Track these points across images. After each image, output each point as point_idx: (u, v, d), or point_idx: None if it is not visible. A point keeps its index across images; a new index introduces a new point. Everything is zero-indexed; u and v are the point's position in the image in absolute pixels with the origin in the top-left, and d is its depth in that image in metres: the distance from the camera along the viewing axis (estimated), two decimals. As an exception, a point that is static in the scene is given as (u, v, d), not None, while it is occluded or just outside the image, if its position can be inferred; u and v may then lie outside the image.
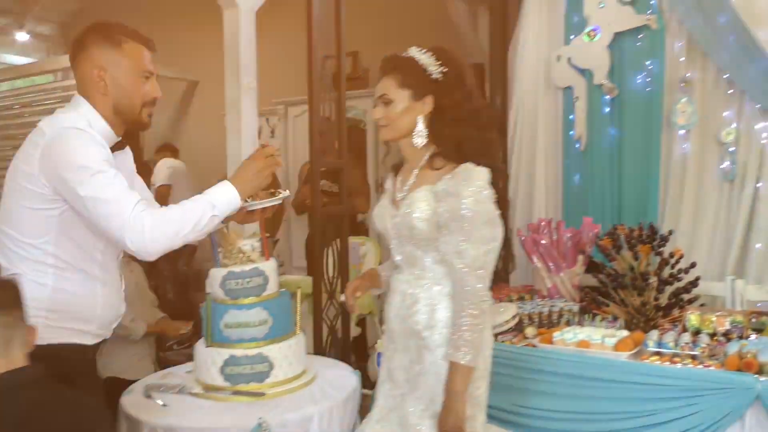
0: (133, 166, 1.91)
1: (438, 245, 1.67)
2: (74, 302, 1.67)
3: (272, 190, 1.93)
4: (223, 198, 1.69)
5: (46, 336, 1.61)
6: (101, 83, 1.69)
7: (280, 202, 1.92)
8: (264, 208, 1.91)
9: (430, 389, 1.67)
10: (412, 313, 1.72)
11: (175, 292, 5.03)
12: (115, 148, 1.75)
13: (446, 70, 1.69)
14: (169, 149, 5.67)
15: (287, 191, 1.92)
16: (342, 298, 1.92)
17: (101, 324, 1.75)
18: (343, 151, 2.86)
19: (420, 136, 1.71)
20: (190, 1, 6.28)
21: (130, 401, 1.97)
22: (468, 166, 1.64)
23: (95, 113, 1.69)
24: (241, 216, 1.91)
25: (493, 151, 1.75)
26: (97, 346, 1.78)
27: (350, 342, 2.83)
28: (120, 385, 2.14)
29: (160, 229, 1.58)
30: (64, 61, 6.37)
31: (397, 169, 1.86)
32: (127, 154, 1.87)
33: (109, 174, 1.58)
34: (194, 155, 5.37)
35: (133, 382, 2.17)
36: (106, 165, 1.60)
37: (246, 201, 1.83)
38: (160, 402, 1.94)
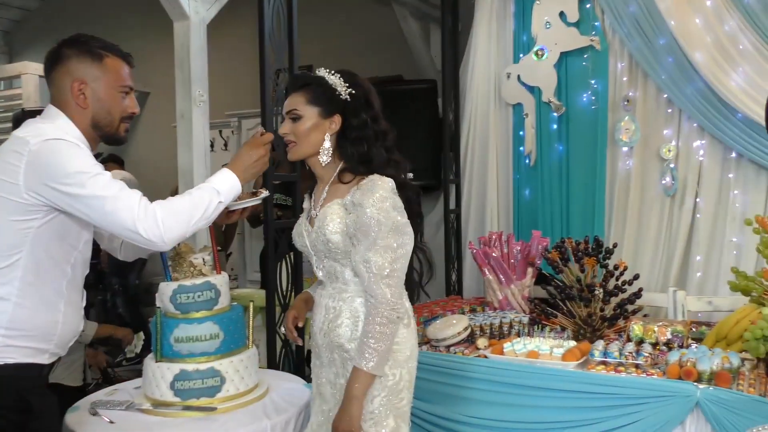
0: None
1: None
2: (35, 319, 1.61)
3: (253, 190, 1.92)
4: (225, 185, 1.70)
5: (2, 355, 1.55)
6: (81, 96, 1.67)
7: (261, 202, 1.90)
8: (244, 209, 1.89)
9: None
10: (335, 327, 1.74)
11: (125, 306, 4.90)
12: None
13: (354, 91, 1.74)
14: (114, 161, 5.51)
15: (267, 191, 1.91)
16: (283, 330, 1.92)
17: (59, 343, 1.69)
18: (296, 164, 2.86)
19: (326, 153, 1.74)
20: (141, 12, 6.20)
21: (75, 418, 1.90)
22: (373, 177, 1.68)
23: (72, 125, 1.67)
24: (221, 216, 1.85)
25: (400, 169, 1.78)
26: (51, 365, 1.72)
27: (304, 355, 2.81)
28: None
29: (172, 217, 1.57)
30: (9, 70, 6.20)
31: (310, 188, 1.90)
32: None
33: (104, 174, 1.57)
34: (144, 168, 5.27)
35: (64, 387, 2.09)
36: (100, 167, 1.59)
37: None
38: (106, 419, 1.88)
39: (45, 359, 1.66)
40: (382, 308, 1.63)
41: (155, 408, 1.95)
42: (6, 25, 7.75)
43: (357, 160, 1.73)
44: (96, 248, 1.90)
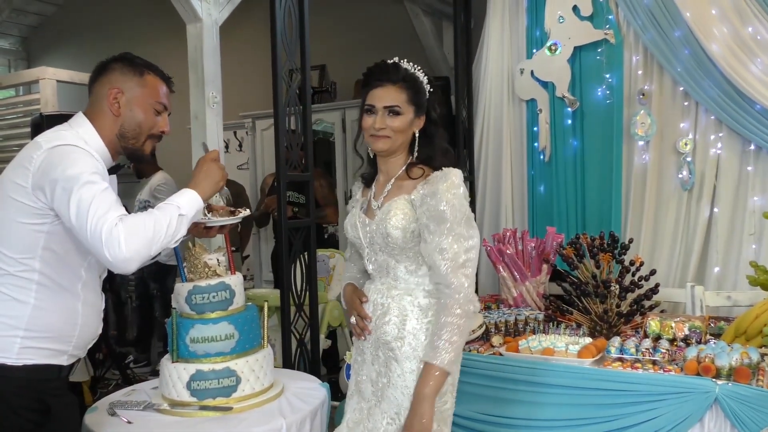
0: (116, 192, 1.89)
1: (420, 250, 1.68)
2: (54, 321, 1.63)
3: (233, 209, 1.93)
4: (183, 199, 1.69)
5: (21, 356, 1.57)
6: (115, 104, 1.71)
7: (239, 221, 1.92)
8: (222, 226, 1.92)
9: (396, 402, 1.66)
10: (382, 324, 1.72)
11: (162, 310, 4.94)
12: (114, 170, 1.77)
13: (431, 89, 1.76)
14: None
15: (248, 210, 1.92)
16: (353, 320, 1.83)
17: (78, 345, 1.71)
18: (309, 164, 2.87)
19: (415, 150, 1.75)
20: (155, 15, 6.25)
21: (94, 419, 1.93)
22: (444, 170, 1.68)
23: (94, 133, 1.70)
24: (198, 231, 1.91)
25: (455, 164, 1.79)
26: (71, 366, 1.74)
27: (319, 354, 2.83)
28: None
29: (135, 237, 1.54)
30: (27, 75, 6.29)
31: (367, 179, 1.88)
32: (113, 180, 1.83)
33: (98, 185, 1.56)
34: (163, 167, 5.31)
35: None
36: (98, 177, 1.59)
37: (205, 216, 1.84)
38: (125, 419, 1.90)
39: (64, 360, 1.68)
40: (460, 299, 1.57)
41: (172, 408, 1.96)
42: (24, 31, 7.87)
43: (426, 155, 1.73)
44: None
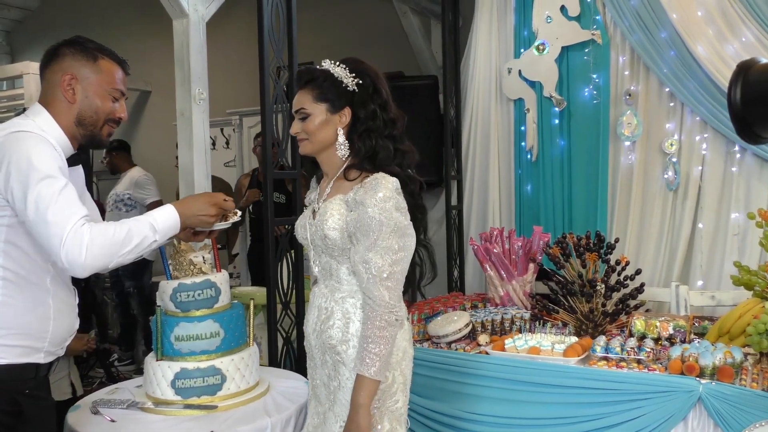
0: (83, 183, 1.85)
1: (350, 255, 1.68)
2: (24, 317, 1.59)
3: (224, 213, 1.92)
4: (165, 224, 1.65)
5: None
6: (69, 90, 1.66)
7: (229, 226, 1.89)
8: (211, 230, 1.89)
9: (347, 405, 1.65)
10: (326, 328, 1.70)
11: (139, 307, 4.90)
12: (69, 162, 1.69)
13: (361, 81, 1.70)
14: (124, 149, 5.36)
15: (239, 215, 1.89)
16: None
17: (54, 341, 1.66)
18: (296, 162, 2.86)
19: (343, 147, 1.71)
20: (141, 11, 6.20)
21: (76, 418, 1.91)
22: (377, 176, 1.64)
23: (52, 122, 1.65)
24: (186, 234, 1.86)
25: (408, 161, 1.75)
26: (50, 364, 1.70)
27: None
28: None
29: (99, 247, 1.51)
30: (10, 70, 6.19)
31: (318, 179, 1.87)
32: (79, 171, 1.81)
33: (59, 181, 1.52)
34: (146, 166, 5.27)
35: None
36: (58, 171, 1.54)
37: None
38: (108, 418, 1.89)
39: (41, 358, 1.64)
40: (381, 311, 1.59)
41: (156, 406, 1.95)
42: (7, 25, 7.77)
43: (364, 154, 1.69)
44: None
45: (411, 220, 1.68)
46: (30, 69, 5.71)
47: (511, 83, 3.86)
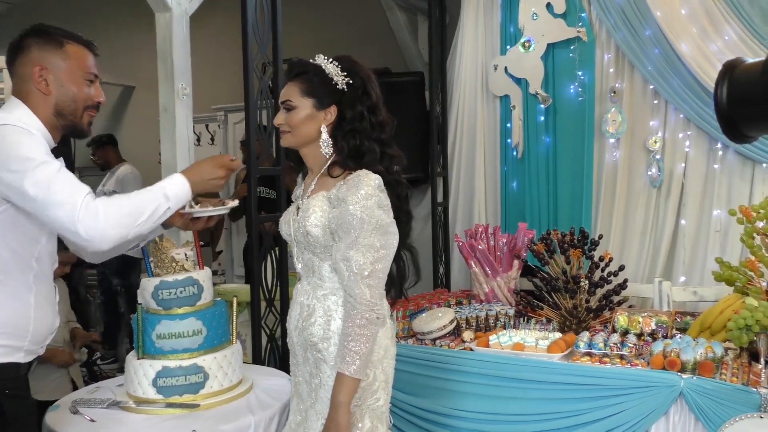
0: None
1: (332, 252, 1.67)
2: (5, 315, 1.56)
3: (220, 200, 1.87)
4: (176, 190, 1.63)
5: None
6: (42, 82, 1.61)
7: (227, 211, 1.87)
8: (209, 217, 1.86)
9: (328, 403, 1.64)
10: (308, 325, 1.69)
11: (127, 305, 4.86)
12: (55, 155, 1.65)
13: (351, 81, 1.68)
14: (111, 143, 5.29)
15: (236, 201, 1.86)
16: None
17: (34, 339, 1.63)
18: (280, 158, 2.84)
19: (326, 145, 1.70)
20: (125, 4, 6.13)
21: (55, 417, 1.88)
22: (360, 173, 1.63)
23: (31, 115, 1.61)
24: (185, 222, 1.84)
25: (394, 164, 1.73)
26: (29, 364, 1.67)
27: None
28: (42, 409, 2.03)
29: (115, 216, 1.50)
30: (-9, 64, 6.13)
31: (304, 175, 1.86)
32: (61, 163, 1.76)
33: (54, 165, 1.50)
34: (130, 162, 5.22)
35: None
36: (50, 157, 1.52)
37: (192, 206, 1.78)
38: (87, 417, 1.86)
39: (21, 357, 1.61)
40: (362, 309, 1.58)
41: (138, 405, 1.93)
42: (-11, 18, 7.65)
43: (347, 154, 1.67)
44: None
45: (396, 223, 1.67)
46: (11, 63, 5.63)
47: (497, 80, 3.86)
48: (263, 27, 2.81)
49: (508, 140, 3.89)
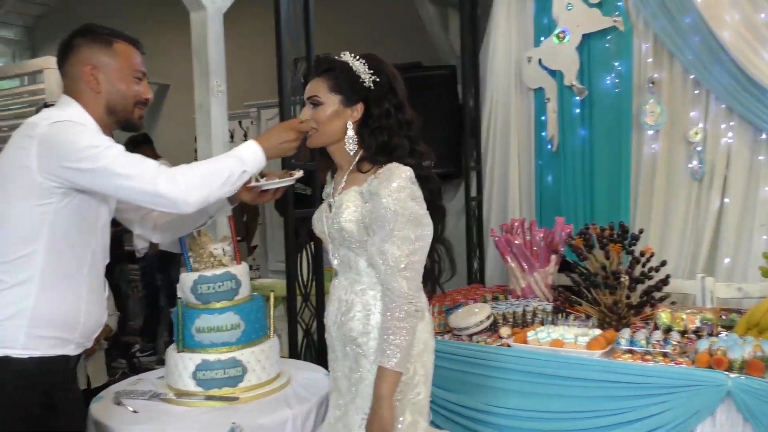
0: None
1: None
2: (59, 308, 1.59)
3: (286, 171, 1.87)
4: (250, 156, 1.65)
5: (28, 347, 1.54)
6: (93, 81, 1.64)
7: (293, 183, 1.85)
8: (277, 189, 1.85)
9: (369, 397, 1.64)
10: (347, 320, 1.69)
11: (167, 300, 4.95)
12: None
13: (378, 79, 1.68)
14: (147, 142, 5.38)
15: (301, 172, 1.85)
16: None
17: (84, 333, 1.66)
18: (314, 154, 2.84)
19: (351, 142, 1.69)
20: (159, 4, 6.22)
21: (99, 408, 1.92)
22: (390, 166, 1.62)
23: (84, 113, 1.64)
24: (252, 196, 1.84)
25: (423, 159, 1.71)
26: (78, 356, 1.69)
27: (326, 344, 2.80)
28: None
29: (194, 179, 1.54)
30: (31, 65, 6.27)
31: (333, 172, 1.85)
32: None
33: (120, 146, 1.55)
34: (165, 159, 5.30)
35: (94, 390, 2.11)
36: (113, 142, 1.56)
37: (258, 180, 1.78)
38: (130, 408, 1.89)
39: (71, 350, 1.64)
40: (400, 302, 1.58)
41: (178, 398, 1.95)
42: (28, 20, 7.85)
43: (376, 149, 1.67)
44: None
45: (430, 217, 1.65)
46: (50, 64, 5.78)
47: (531, 72, 3.81)
48: (295, 23, 2.81)
49: (543, 133, 3.83)
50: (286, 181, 1.82)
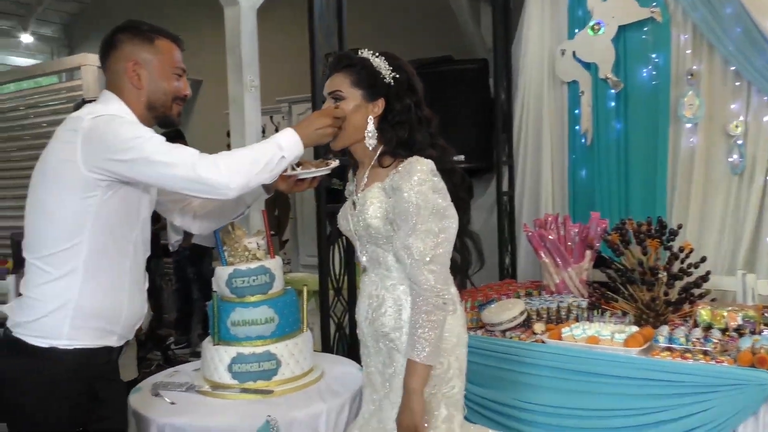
0: None
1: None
2: (102, 300, 1.61)
3: (322, 160, 1.87)
4: (288, 142, 1.66)
5: (72, 339, 1.57)
6: (135, 77, 1.67)
7: (330, 172, 1.85)
8: (313, 178, 1.85)
9: (401, 392, 1.62)
10: (378, 315, 1.69)
11: (200, 293, 5.03)
12: None
13: (398, 75, 1.68)
14: (180, 137, 5.46)
15: (337, 161, 1.85)
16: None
17: (126, 325, 1.69)
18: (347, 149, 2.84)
19: (372, 137, 1.68)
20: (192, 2, 6.29)
21: (138, 399, 1.96)
22: (411, 160, 1.61)
23: (126, 108, 1.67)
24: (289, 185, 1.85)
25: (444, 155, 1.70)
26: (120, 348, 1.73)
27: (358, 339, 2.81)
28: None
29: (234, 164, 1.57)
30: (69, 62, 6.40)
31: (354, 169, 1.84)
32: None
33: (161, 138, 1.58)
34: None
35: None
36: (154, 133, 1.60)
37: (294, 169, 1.79)
38: (168, 400, 1.92)
39: (114, 341, 1.67)
40: (427, 295, 1.56)
41: (213, 390, 1.98)
42: (65, 18, 8.03)
43: (396, 144, 1.67)
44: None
45: (454, 209, 1.64)
46: (87, 61, 5.88)
47: (564, 65, 3.75)
48: (328, 17, 2.81)
49: (576, 127, 3.77)
50: (323, 170, 1.81)
